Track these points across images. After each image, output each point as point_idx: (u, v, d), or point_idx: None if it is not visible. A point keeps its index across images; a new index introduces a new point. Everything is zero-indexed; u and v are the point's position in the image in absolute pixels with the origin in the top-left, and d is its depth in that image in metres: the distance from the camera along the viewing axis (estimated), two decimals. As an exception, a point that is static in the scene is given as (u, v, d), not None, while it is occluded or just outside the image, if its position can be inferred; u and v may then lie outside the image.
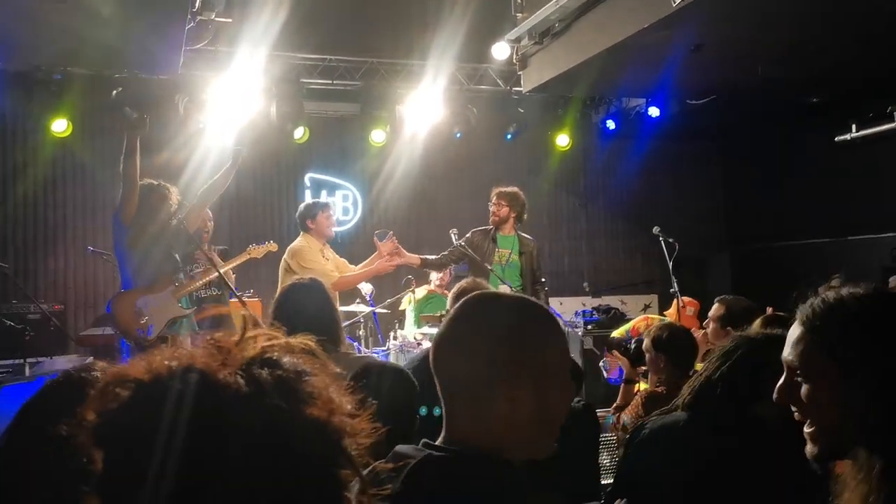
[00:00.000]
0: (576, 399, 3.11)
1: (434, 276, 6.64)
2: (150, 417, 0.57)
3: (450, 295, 3.32)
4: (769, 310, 3.06)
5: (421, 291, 6.59)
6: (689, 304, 5.26)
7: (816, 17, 5.18)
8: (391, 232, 5.35)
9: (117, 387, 0.59)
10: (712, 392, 1.80)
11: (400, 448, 1.17)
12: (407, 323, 6.67)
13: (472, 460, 1.14)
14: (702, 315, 5.30)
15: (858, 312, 1.09)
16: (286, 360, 0.65)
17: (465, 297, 1.26)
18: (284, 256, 5.29)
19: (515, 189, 5.35)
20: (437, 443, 1.18)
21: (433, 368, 1.22)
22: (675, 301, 5.32)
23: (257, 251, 5.33)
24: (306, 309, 2.68)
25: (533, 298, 1.33)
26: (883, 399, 1.03)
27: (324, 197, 8.56)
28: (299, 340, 0.69)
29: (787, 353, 1.15)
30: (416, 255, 5.39)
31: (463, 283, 3.34)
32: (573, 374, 3.12)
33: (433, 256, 5.42)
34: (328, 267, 5.17)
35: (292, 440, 0.60)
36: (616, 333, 5.27)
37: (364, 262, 5.55)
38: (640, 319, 5.48)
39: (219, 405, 0.58)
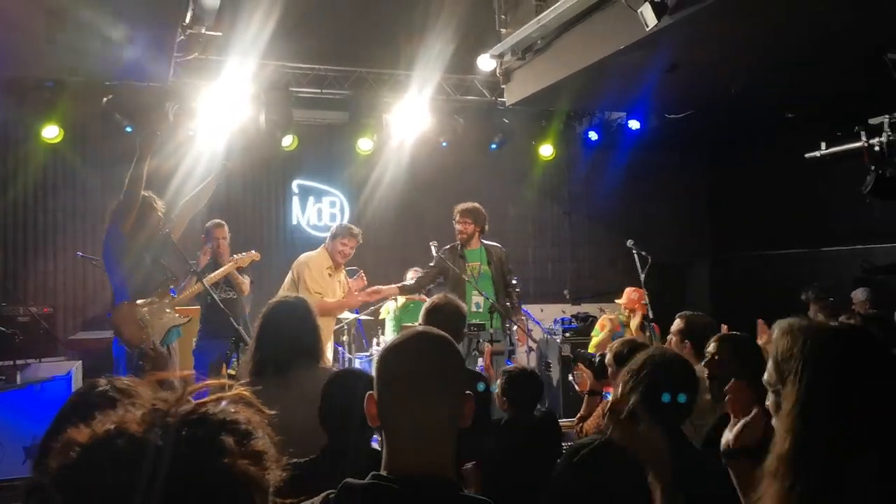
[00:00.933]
0: (538, 407, 3.27)
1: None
2: (88, 477, 0.73)
3: (422, 311, 3.45)
4: (724, 327, 3.23)
5: (400, 299, 6.74)
6: (639, 293, 5.53)
7: (790, 41, 5.37)
8: (361, 271, 5.61)
9: (69, 448, 0.75)
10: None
11: (351, 482, 1.31)
12: (387, 330, 6.83)
13: (442, 487, 1.32)
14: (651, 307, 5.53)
15: (798, 341, 1.40)
16: (216, 412, 0.80)
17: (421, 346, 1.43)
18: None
19: (475, 205, 5.67)
20: (384, 474, 1.32)
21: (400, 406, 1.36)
22: (626, 290, 5.59)
23: (242, 260, 5.49)
24: (289, 327, 2.79)
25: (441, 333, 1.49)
26: (799, 405, 1.34)
27: (311, 203, 8.72)
28: (234, 392, 0.84)
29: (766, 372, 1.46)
30: (393, 286, 5.75)
31: (435, 298, 3.48)
32: (534, 382, 3.26)
33: (410, 282, 5.71)
34: (321, 283, 5.32)
35: (206, 490, 0.75)
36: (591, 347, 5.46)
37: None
38: (604, 317, 5.76)
39: (142, 464, 0.73)
